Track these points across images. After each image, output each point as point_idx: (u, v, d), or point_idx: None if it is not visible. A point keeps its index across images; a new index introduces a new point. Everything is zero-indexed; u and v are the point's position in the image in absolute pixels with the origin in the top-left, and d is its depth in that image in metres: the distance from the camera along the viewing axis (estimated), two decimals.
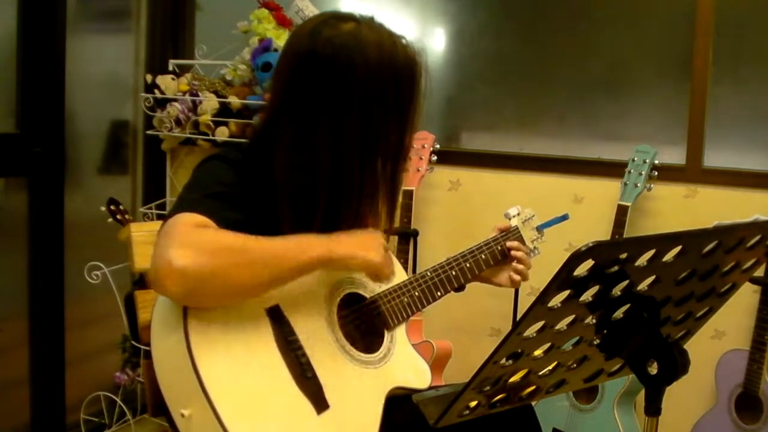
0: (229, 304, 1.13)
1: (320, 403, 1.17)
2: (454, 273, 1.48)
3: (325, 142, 1.24)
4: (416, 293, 1.42)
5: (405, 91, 1.27)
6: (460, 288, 1.53)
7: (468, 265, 1.51)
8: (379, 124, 1.26)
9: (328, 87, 1.23)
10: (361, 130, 1.25)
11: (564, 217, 1.66)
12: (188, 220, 1.10)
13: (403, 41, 1.29)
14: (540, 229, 1.67)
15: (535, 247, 1.66)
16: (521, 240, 1.62)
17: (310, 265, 1.17)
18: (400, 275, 1.46)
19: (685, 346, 1.03)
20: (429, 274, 1.46)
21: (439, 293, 1.46)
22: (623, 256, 0.88)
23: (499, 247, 1.57)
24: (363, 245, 1.24)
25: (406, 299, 1.40)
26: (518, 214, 1.65)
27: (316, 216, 1.25)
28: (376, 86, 1.24)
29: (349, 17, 1.28)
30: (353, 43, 1.23)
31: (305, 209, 1.25)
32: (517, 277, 1.56)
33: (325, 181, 1.25)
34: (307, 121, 1.25)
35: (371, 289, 1.38)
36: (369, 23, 1.28)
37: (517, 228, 1.62)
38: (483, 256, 1.54)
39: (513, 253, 1.56)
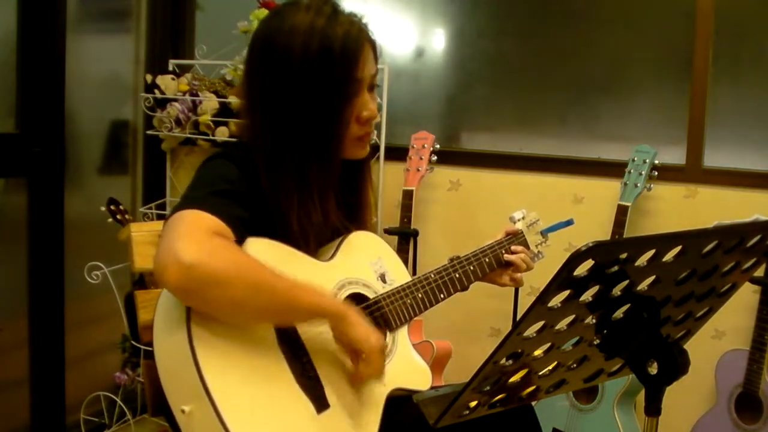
0: (218, 317, 1.10)
1: (321, 403, 1.17)
2: (457, 275, 1.48)
3: (268, 127, 1.27)
4: (419, 295, 1.42)
5: (339, 75, 1.25)
6: (464, 288, 1.53)
7: (472, 268, 1.51)
8: (309, 107, 1.25)
9: (261, 72, 1.27)
10: (291, 114, 1.25)
11: (569, 222, 1.65)
12: (202, 220, 1.11)
13: (350, 21, 1.27)
14: (544, 233, 1.66)
15: (539, 252, 1.65)
16: (525, 244, 1.62)
17: (315, 312, 1.17)
18: (403, 276, 1.45)
19: (685, 346, 1.03)
20: (432, 276, 1.45)
21: (442, 295, 1.45)
22: (623, 256, 0.88)
23: (503, 251, 1.57)
24: (368, 326, 1.21)
25: (409, 301, 1.40)
26: (523, 218, 1.64)
27: (285, 206, 1.26)
28: (302, 69, 1.23)
29: (297, 3, 1.28)
30: (281, 27, 1.25)
31: (276, 198, 1.26)
32: (518, 275, 1.57)
33: (267, 172, 1.26)
34: (254, 108, 1.30)
35: (375, 289, 1.38)
36: (315, 4, 1.27)
37: (522, 232, 1.62)
38: (487, 260, 1.54)
39: (506, 256, 1.56)
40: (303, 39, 1.23)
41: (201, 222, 1.10)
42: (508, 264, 1.57)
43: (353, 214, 1.41)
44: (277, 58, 1.25)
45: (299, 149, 1.26)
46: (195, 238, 1.06)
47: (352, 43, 1.25)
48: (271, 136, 1.27)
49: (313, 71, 1.23)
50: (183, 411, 1.06)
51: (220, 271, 1.06)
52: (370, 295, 1.37)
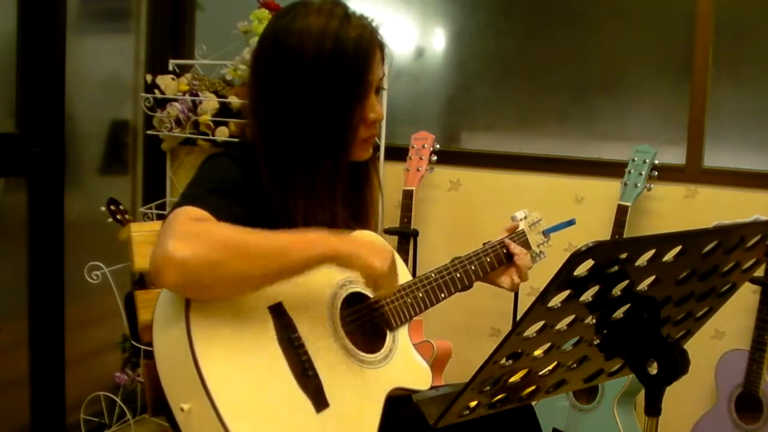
0: (228, 298, 1.12)
1: (320, 402, 1.17)
2: (458, 275, 1.48)
3: (276, 129, 1.27)
4: (420, 294, 1.42)
5: (352, 77, 1.26)
6: (467, 287, 1.52)
7: (473, 267, 1.50)
8: (321, 109, 1.25)
9: (271, 74, 1.27)
10: (303, 115, 1.26)
11: (571, 222, 1.65)
12: (188, 213, 1.11)
13: (361, 24, 1.28)
14: (546, 233, 1.66)
15: (540, 251, 1.65)
16: (526, 244, 1.61)
17: (312, 261, 1.16)
18: (404, 275, 1.45)
19: (685, 346, 1.03)
20: (433, 275, 1.45)
21: (443, 295, 1.45)
22: (623, 256, 0.88)
23: (505, 251, 1.56)
24: (369, 248, 1.21)
25: (409, 300, 1.40)
26: (525, 218, 1.64)
27: (288, 209, 1.26)
28: (315, 72, 1.24)
29: (309, 4, 1.29)
30: (294, 29, 1.25)
31: (280, 199, 1.27)
32: (517, 280, 1.55)
33: (273, 173, 1.27)
34: (262, 109, 1.29)
35: None
36: (326, 6, 1.28)
37: (523, 231, 1.62)
38: (488, 259, 1.53)
39: (516, 259, 1.55)
40: (316, 41, 1.24)
41: (187, 215, 1.11)
42: (510, 262, 1.56)
43: (357, 214, 1.41)
44: (289, 60, 1.25)
45: (308, 150, 1.27)
46: (181, 232, 1.06)
47: (365, 46, 1.27)
48: (280, 136, 1.27)
49: (325, 73, 1.24)
50: (182, 409, 1.06)
51: (213, 254, 1.06)
52: (371, 294, 1.37)
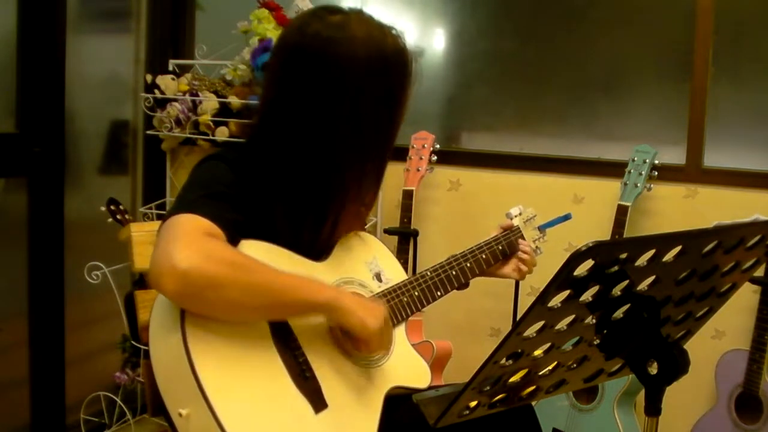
0: (219, 318, 1.11)
1: (318, 403, 1.17)
2: (454, 273, 1.48)
3: (315, 136, 1.26)
4: (416, 293, 1.42)
5: (394, 84, 1.27)
6: (464, 285, 1.53)
7: (468, 264, 1.51)
8: (368, 117, 1.26)
9: (315, 81, 1.25)
10: (350, 124, 1.25)
11: (566, 217, 1.66)
12: (197, 224, 1.10)
13: (393, 33, 1.29)
14: (542, 228, 1.67)
15: (537, 247, 1.65)
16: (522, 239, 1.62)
17: (308, 307, 1.18)
18: (399, 275, 1.45)
19: (685, 346, 1.03)
20: (429, 273, 1.45)
21: (439, 293, 1.45)
22: (623, 256, 0.88)
23: (500, 247, 1.57)
24: (367, 309, 1.21)
25: (405, 299, 1.40)
26: (520, 214, 1.65)
27: (307, 212, 1.26)
28: (365, 79, 1.24)
29: (337, 10, 1.28)
30: (340, 36, 1.24)
31: (296, 204, 1.27)
32: (524, 268, 1.58)
33: (315, 176, 1.27)
34: (298, 117, 1.27)
35: (371, 288, 1.38)
36: (358, 15, 1.28)
37: (518, 228, 1.62)
38: (483, 256, 1.54)
39: (522, 249, 1.58)
40: (365, 49, 1.24)
41: (194, 225, 1.10)
42: (505, 259, 1.57)
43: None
44: (340, 68, 1.23)
45: (350, 157, 1.28)
46: (188, 242, 1.06)
47: (405, 53, 1.29)
48: (319, 143, 1.26)
49: (378, 80, 1.25)
50: (180, 414, 1.06)
51: (215, 273, 1.06)
52: (366, 294, 1.37)
